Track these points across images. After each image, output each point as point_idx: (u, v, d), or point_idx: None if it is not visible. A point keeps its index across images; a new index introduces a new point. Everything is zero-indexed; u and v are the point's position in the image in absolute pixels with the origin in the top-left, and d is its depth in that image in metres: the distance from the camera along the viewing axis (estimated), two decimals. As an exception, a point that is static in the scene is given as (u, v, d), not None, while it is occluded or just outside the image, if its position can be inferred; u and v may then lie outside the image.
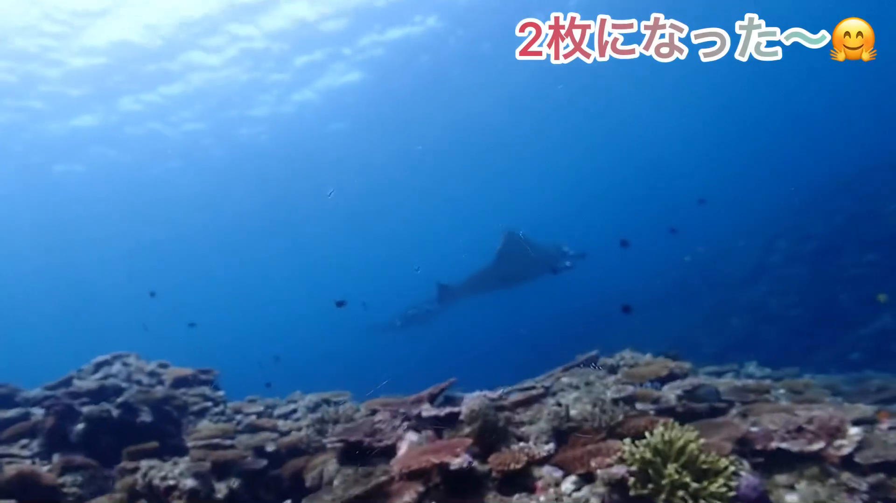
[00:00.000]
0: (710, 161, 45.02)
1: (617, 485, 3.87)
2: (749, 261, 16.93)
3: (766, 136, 42.34)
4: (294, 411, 7.50)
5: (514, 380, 7.28)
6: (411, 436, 4.77)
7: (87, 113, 25.29)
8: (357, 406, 6.75)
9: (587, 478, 4.06)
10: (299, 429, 6.80)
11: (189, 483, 5.46)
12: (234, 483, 5.75)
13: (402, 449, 4.73)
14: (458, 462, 4.15)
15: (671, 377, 6.68)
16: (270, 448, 6.46)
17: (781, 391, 6.81)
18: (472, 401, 4.76)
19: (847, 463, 4.34)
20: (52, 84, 22.83)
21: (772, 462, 4.48)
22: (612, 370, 7.00)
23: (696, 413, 5.57)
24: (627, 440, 4.33)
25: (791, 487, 4.29)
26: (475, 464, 4.35)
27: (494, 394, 5.19)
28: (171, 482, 5.48)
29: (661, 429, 4.24)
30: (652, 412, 5.51)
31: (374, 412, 6.12)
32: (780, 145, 40.90)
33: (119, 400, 6.73)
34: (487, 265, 17.76)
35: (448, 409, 4.90)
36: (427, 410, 4.98)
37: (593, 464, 3.99)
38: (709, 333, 15.54)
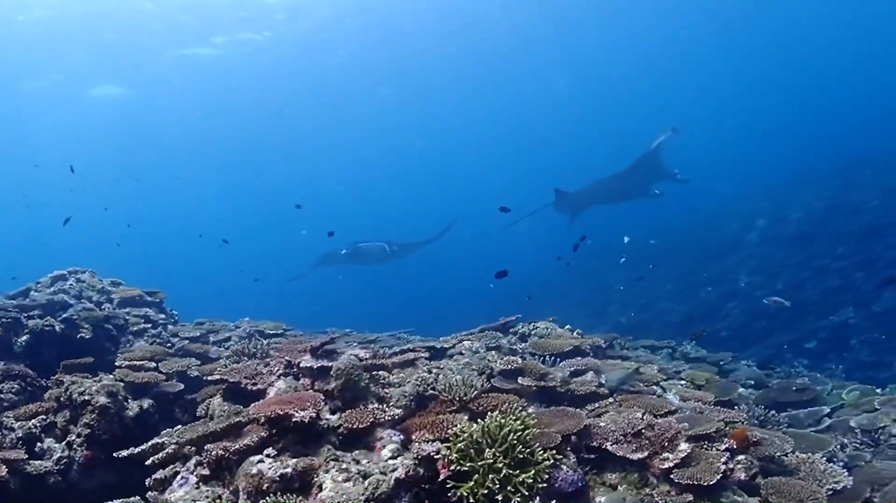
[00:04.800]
0: (719, 133, 44.07)
1: (424, 461, 4.18)
2: (726, 235, 16.85)
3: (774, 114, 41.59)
4: (229, 338, 8.00)
5: (469, 325, 7.57)
6: (279, 384, 5.17)
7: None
8: (276, 342, 7.19)
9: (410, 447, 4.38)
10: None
11: (101, 400, 6.04)
12: (146, 403, 6.32)
13: (270, 394, 5.14)
14: (301, 415, 4.52)
15: (577, 352, 6.92)
16: (194, 373, 7.00)
17: (682, 383, 6.94)
18: (341, 359, 5.10)
19: (668, 477, 4.45)
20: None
21: (607, 460, 4.67)
22: (523, 338, 7.24)
23: (575, 395, 5.77)
24: (464, 417, 4.62)
25: (615, 488, 4.53)
26: (325, 417, 4.73)
27: (367, 353, 5.50)
28: (87, 397, 6.07)
29: (496, 413, 4.50)
30: (533, 388, 5.74)
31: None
32: (783, 126, 40.16)
33: (63, 315, 7.31)
34: (618, 171, 16.59)
35: (321, 363, 5.25)
36: (306, 361, 5.34)
37: (414, 436, 4.31)
38: (677, 301, 15.65)
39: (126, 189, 38.02)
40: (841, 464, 5.82)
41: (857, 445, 6.70)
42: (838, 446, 6.47)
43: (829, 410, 7.36)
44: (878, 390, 7.87)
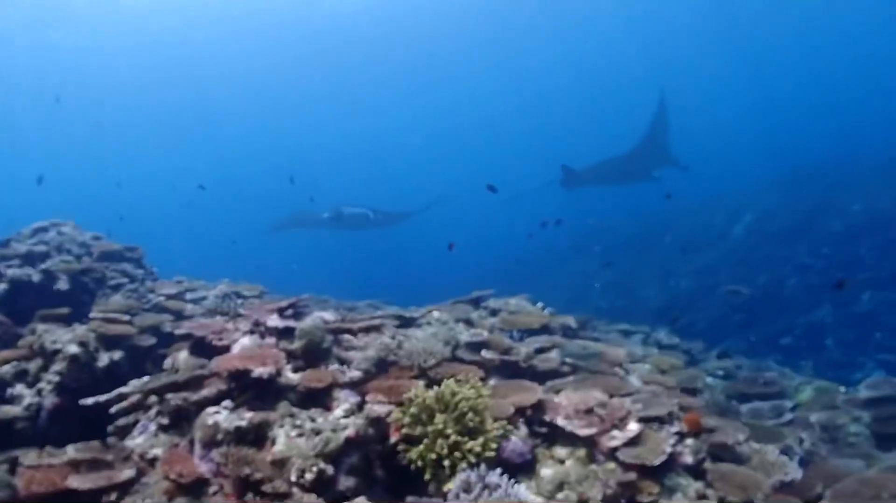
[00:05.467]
0: (709, 128, 44.02)
1: (374, 422, 4.28)
2: (713, 226, 17.02)
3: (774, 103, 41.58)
4: (205, 297, 8.05)
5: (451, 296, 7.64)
6: (244, 340, 5.26)
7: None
8: (251, 303, 7.24)
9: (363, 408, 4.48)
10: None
11: (72, 349, 6.10)
12: (117, 355, 6.39)
13: (235, 350, 5.22)
14: (260, 371, 4.61)
15: (545, 330, 7.01)
16: (168, 329, 7.07)
17: (648, 367, 7.03)
18: (306, 320, 5.18)
19: (615, 455, 4.51)
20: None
21: (560, 435, 4.73)
22: (494, 313, 7.32)
23: (537, 371, 5.85)
24: (421, 383, 4.71)
25: (562, 463, 4.61)
26: (285, 375, 4.82)
27: (332, 317, 5.57)
28: (58, 346, 6.14)
29: (451, 380, 4.59)
30: (496, 361, 5.81)
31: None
32: (775, 123, 40.21)
33: (41, 266, 7.37)
34: (624, 151, 16.82)
35: (286, 323, 5.34)
36: (272, 321, 5.42)
37: (368, 397, 4.40)
38: (656, 290, 15.84)
39: (106, 143, 37.03)
40: (797, 457, 5.87)
41: (815, 441, 6.80)
42: (796, 440, 6.53)
43: (792, 405, 7.47)
44: (842, 388, 7.97)
